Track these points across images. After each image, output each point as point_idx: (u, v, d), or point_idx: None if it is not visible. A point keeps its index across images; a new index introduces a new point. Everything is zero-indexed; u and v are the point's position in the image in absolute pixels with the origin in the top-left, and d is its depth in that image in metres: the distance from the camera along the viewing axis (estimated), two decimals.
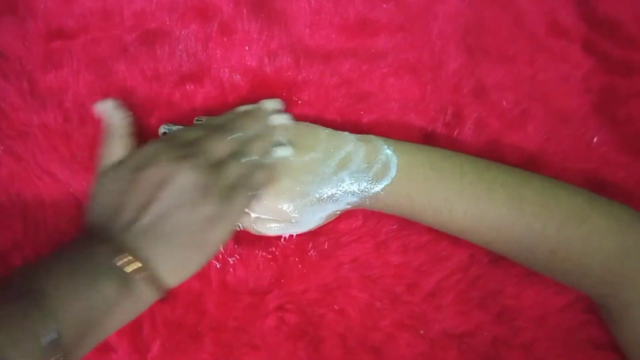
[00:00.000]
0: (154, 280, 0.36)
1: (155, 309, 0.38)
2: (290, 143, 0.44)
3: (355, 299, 0.45)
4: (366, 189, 0.43)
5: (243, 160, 0.41)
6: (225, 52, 0.50)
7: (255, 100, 0.49)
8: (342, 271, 0.45)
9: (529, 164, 0.50)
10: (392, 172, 0.43)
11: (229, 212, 0.39)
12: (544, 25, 0.54)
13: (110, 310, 0.35)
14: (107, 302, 0.34)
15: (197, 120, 0.47)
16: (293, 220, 0.44)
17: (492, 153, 0.50)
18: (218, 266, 0.44)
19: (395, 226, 0.47)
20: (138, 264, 0.35)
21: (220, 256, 0.45)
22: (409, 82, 0.50)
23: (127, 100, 0.48)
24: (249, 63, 0.49)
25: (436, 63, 0.51)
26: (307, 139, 0.45)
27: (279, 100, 0.47)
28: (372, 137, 0.45)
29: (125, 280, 0.35)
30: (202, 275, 0.44)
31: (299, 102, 0.49)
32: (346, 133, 0.46)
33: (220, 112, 0.49)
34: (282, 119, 0.45)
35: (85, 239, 0.37)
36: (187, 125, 0.47)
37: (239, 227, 0.44)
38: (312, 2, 0.52)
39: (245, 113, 0.45)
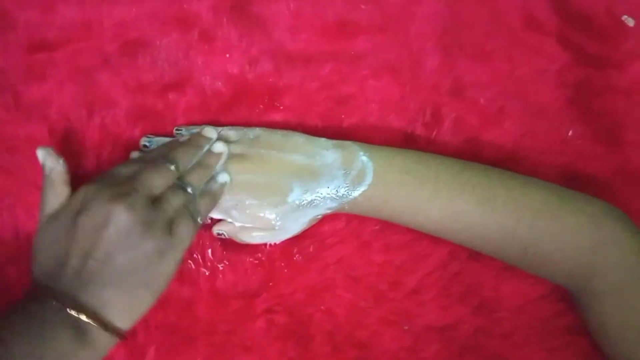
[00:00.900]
0: (106, 326, 0.35)
1: (149, 315, 0.39)
2: (226, 170, 0.44)
3: (341, 299, 0.46)
4: (344, 195, 0.44)
5: (186, 191, 0.41)
6: (207, 59, 0.50)
7: (238, 107, 0.50)
8: (328, 272, 0.47)
9: (506, 160, 0.51)
10: (369, 178, 0.43)
11: (173, 244, 0.38)
12: (520, 20, 0.55)
13: None
14: (64, 357, 0.34)
15: (176, 129, 0.47)
16: (276, 227, 0.45)
17: (471, 151, 0.50)
18: (207, 273, 0.45)
19: (377, 227, 0.48)
20: (88, 312, 0.35)
21: (209, 263, 0.46)
22: (388, 83, 0.51)
23: (111, 112, 0.48)
24: (230, 70, 0.50)
25: (415, 63, 0.52)
26: (285, 147, 0.45)
27: (212, 128, 0.46)
28: (349, 143, 0.46)
29: (78, 330, 0.34)
30: (193, 282, 0.45)
31: (281, 107, 0.50)
32: (323, 139, 0.46)
33: (203, 120, 0.49)
34: (223, 147, 0.44)
35: (34, 295, 0.36)
36: (170, 136, 0.48)
37: (224, 235, 0.45)
38: (292, 5, 0.52)
39: (184, 143, 0.44)
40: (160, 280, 0.38)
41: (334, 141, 0.46)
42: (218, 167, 0.44)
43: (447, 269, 0.47)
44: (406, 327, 0.46)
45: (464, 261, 0.48)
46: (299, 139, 0.46)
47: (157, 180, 0.40)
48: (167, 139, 0.47)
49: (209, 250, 0.46)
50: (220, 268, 0.46)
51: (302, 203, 0.44)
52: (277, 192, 0.43)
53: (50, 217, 0.39)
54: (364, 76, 0.51)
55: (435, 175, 0.43)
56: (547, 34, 0.55)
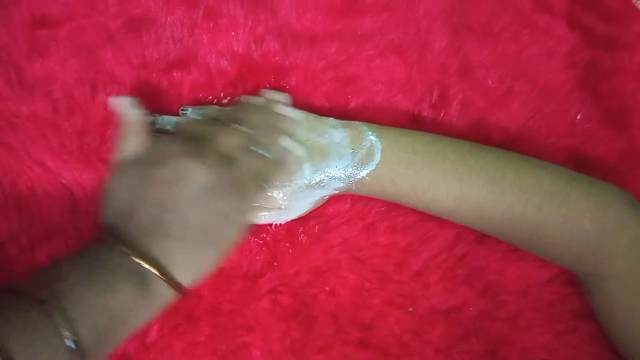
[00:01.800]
0: (170, 280, 0.35)
1: None
2: (301, 140, 0.43)
3: (345, 280, 0.45)
4: (352, 175, 0.42)
5: (253, 151, 0.40)
6: (212, 37, 0.48)
7: (243, 86, 0.48)
8: (332, 253, 0.46)
9: (513, 142, 0.49)
10: (377, 158, 0.42)
11: (241, 206, 0.38)
12: (528, 1, 0.53)
13: (127, 314, 0.34)
14: (125, 306, 0.33)
15: (182, 109, 0.46)
16: (282, 207, 0.43)
17: (478, 133, 0.49)
18: None
19: (383, 208, 0.47)
20: (153, 265, 0.34)
21: None
22: (395, 64, 0.50)
23: (115, 89, 0.47)
24: (235, 48, 0.48)
25: (422, 43, 0.50)
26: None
27: (287, 94, 0.46)
28: (357, 123, 0.45)
29: (142, 282, 0.34)
30: None
31: (287, 87, 0.49)
32: (331, 119, 0.45)
33: (208, 99, 0.48)
34: (293, 112, 0.44)
35: (101, 240, 0.36)
36: (175, 114, 0.47)
37: None
38: None
39: (253, 104, 0.44)
40: (225, 241, 0.38)
41: (342, 121, 0.45)
42: (290, 130, 0.43)
43: (453, 251, 0.46)
44: (411, 309, 0.45)
45: (470, 244, 0.47)
46: (308, 117, 0.45)
47: (232, 141, 0.39)
48: (173, 118, 0.46)
49: None
50: None
51: (311, 183, 0.42)
52: (285, 174, 0.42)
53: (126, 164, 0.39)
54: (370, 56, 0.50)
55: (443, 156, 0.42)
56: (556, 15, 0.53)
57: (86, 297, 0.32)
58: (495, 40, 0.51)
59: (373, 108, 0.49)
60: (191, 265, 0.36)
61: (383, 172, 0.42)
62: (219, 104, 0.48)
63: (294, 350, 0.43)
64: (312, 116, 0.45)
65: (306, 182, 0.43)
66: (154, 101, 0.47)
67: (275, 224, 0.46)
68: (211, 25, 0.48)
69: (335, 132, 0.44)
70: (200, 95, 0.48)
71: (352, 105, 0.49)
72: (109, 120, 0.46)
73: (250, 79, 0.48)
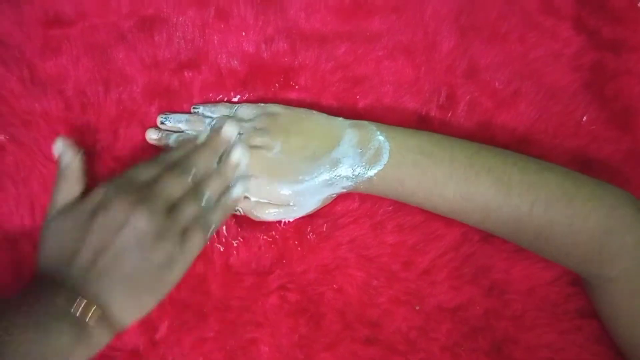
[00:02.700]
0: (109, 323, 0.35)
1: None
2: (246, 177, 0.43)
3: (353, 278, 0.45)
4: (360, 174, 0.42)
5: (202, 200, 0.40)
6: (222, 38, 0.48)
7: (253, 85, 0.48)
8: (340, 252, 0.45)
9: (519, 143, 0.49)
10: (385, 158, 0.42)
11: (183, 254, 0.38)
12: (535, 3, 0.53)
13: (62, 358, 0.33)
14: (62, 352, 0.33)
15: (193, 108, 0.46)
16: (291, 204, 0.43)
17: (484, 133, 0.49)
18: (221, 249, 0.44)
19: (390, 207, 0.46)
20: (94, 308, 0.34)
21: (224, 239, 0.44)
22: (403, 64, 0.49)
23: (127, 88, 0.47)
24: (246, 48, 0.48)
25: (430, 44, 0.50)
26: (304, 125, 0.44)
27: (236, 123, 0.44)
28: (366, 123, 0.44)
29: (80, 326, 0.34)
30: (206, 258, 0.44)
31: (296, 87, 0.48)
32: (340, 119, 0.45)
33: (218, 98, 0.48)
34: (239, 156, 0.43)
35: (39, 285, 0.35)
36: (186, 112, 0.47)
37: (240, 212, 0.44)
38: None
39: (203, 147, 0.42)
40: (165, 287, 0.38)
41: (351, 121, 0.44)
42: (234, 177, 0.43)
43: (459, 250, 0.46)
44: (417, 307, 0.45)
45: (476, 243, 0.46)
46: (318, 117, 0.44)
47: (176, 188, 0.39)
48: (184, 116, 0.46)
49: (224, 227, 0.44)
50: (235, 245, 0.44)
51: (319, 181, 0.42)
52: (295, 171, 0.42)
53: (62, 210, 0.38)
54: (379, 57, 0.49)
55: (451, 156, 0.42)
56: (563, 17, 0.53)
57: (22, 345, 0.32)
58: (502, 42, 0.51)
59: (381, 108, 0.49)
60: (129, 308, 0.36)
61: (391, 172, 0.42)
62: (229, 102, 0.48)
63: (302, 347, 0.43)
64: (322, 116, 0.45)
65: (314, 180, 0.43)
66: (165, 100, 0.47)
67: (284, 222, 0.45)
68: (222, 25, 0.48)
69: (345, 132, 0.43)
70: (211, 94, 0.48)
71: (360, 105, 0.48)
72: (121, 118, 0.47)
73: (260, 79, 0.48)
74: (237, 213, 0.44)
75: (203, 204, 0.40)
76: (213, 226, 0.40)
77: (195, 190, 0.40)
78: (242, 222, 0.45)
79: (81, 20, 0.48)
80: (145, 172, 0.39)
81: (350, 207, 0.46)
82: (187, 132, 0.46)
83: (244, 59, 0.48)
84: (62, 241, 0.37)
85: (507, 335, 0.45)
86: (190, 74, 0.47)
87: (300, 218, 0.45)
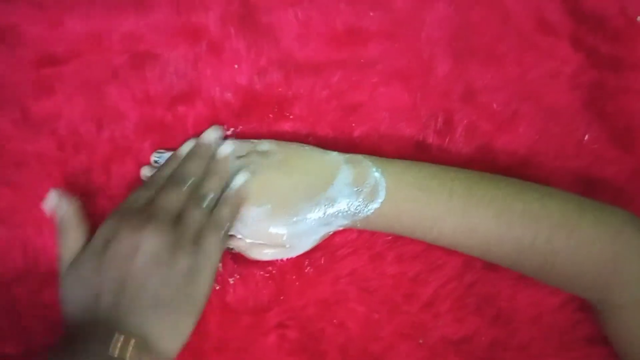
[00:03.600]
0: (156, 354, 0.33)
1: None
2: (244, 167, 0.41)
3: (354, 312, 0.43)
4: (356, 213, 0.40)
5: (205, 202, 0.39)
6: (215, 71, 0.47)
7: (247, 118, 0.47)
8: (340, 285, 0.43)
9: (520, 166, 0.47)
10: (381, 195, 0.40)
11: (204, 258, 0.36)
12: (531, 23, 0.51)
13: None
14: None
15: (155, 155, 0.45)
16: (287, 245, 0.42)
17: (484, 157, 0.47)
18: (217, 287, 0.42)
19: (390, 237, 0.45)
20: (131, 343, 0.32)
21: (220, 277, 0.43)
22: (399, 90, 0.48)
23: (120, 125, 0.46)
24: (239, 81, 0.47)
25: (425, 69, 0.48)
26: (297, 161, 0.42)
27: (217, 126, 0.44)
28: (361, 158, 0.42)
29: None
30: None
31: (291, 117, 0.47)
32: (335, 154, 0.43)
33: None
34: (227, 149, 0.42)
35: (70, 341, 0.33)
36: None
37: (234, 250, 0.42)
38: (299, 13, 0.48)
39: (189, 156, 0.42)
40: (197, 300, 0.36)
41: (346, 155, 0.43)
42: (231, 169, 0.42)
43: (462, 279, 0.44)
44: (421, 341, 0.43)
45: (479, 271, 0.44)
46: (311, 153, 0.43)
47: (175, 199, 0.38)
48: (176, 153, 0.44)
49: (220, 264, 0.42)
50: (231, 282, 0.43)
51: (314, 221, 0.40)
52: (288, 212, 0.40)
53: (73, 262, 0.37)
54: (374, 84, 0.48)
55: (449, 190, 0.40)
56: (560, 36, 0.51)
57: None
58: (498, 64, 0.49)
59: (377, 136, 0.47)
60: (171, 332, 0.34)
61: (388, 209, 0.40)
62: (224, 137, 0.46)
63: None
64: (316, 151, 0.43)
65: (308, 220, 0.41)
66: (158, 136, 0.46)
67: (283, 259, 0.44)
68: (214, 59, 0.47)
69: (339, 170, 0.41)
70: (205, 128, 0.46)
71: (356, 133, 0.47)
72: (115, 157, 0.45)
73: (254, 111, 0.47)
74: (233, 251, 0.43)
75: (205, 204, 0.39)
76: (226, 222, 0.39)
77: (195, 195, 0.39)
78: (238, 259, 0.43)
79: (74, 57, 0.47)
80: (141, 196, 0.39)
81: (349, 237, 0.45)
82: None
83: (238, 91, 0.47)
84: (82, 289, 0.35)
85: None
86: (183, 108, 0.46)
87: None
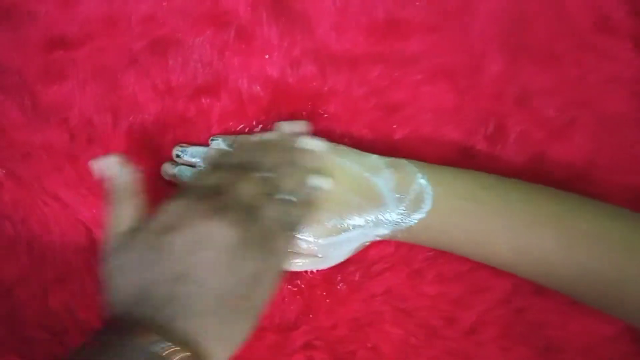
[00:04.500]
0: None
1: None
2: (324, 172, 0.37)
3: (388, 335, 0.39)
4: (398, 222, 0.36)
5: (277, 197, 0.34)
6: (244, 60, 0.42)
7: (277, 113, 0.42)
8: (374, 304, 0.39)
9: (576, 179, 0.42)
10: (427, 205, 0.36)
11: (270, 261, 0.32)
12: (590, 21, 0.46)
13: None
14: None
15: (212, 139, 0.40)
16: (319, 255, 0.37)
17: (537, 168, 0.42)
18: None
19: (431, 253, 0.40)
20: (183, 352, 0.27)
21: None
22: (444, 90, 0.43)
23: (139, 117, 0.41)
24: (269, 73, 0.42)
25: (474, 67, 0.43)
26: (333, 165, 0.37)
27: (304, 122, 0.39)
28: (404, 162, 0.38)
29: None
30: None
31: (325, 115, 0.42)
32: (375, 156, 0.38)
33: (239, 128, 0.42)
34: (314, 143, 0.37)
35: (113, 327, 0.28)
36: (204, 144, 0.41)
37: None
38: (337, 1, 0.43)
39: (269, 142, 0.37)
40: (258, 305, 0.31)
41: (387, 159, 0.38)
42: (315, 165, 0.37)
43: (510, 304, 0.39)
44: None
45: (529, 296, 0.40)
46: (350, 155, 0.38)
47: (251, 190, 0.33)
48: (202, 148, 0.41)
49: None
50: None
51: (350, 230, 0.36)
52: (323, 219, 0.36)
53: (125, 236, 0.31)
54: (417, 81, 0.43)
55: (506, 203, 0.35)
56: (621, 37, 0.45)
57: None
58: (555, 64, 0.44)
59: (420, 140, 0.42)
60: (227, 339, 0.29)
61: (434, 221, 0.36)
62: (251, 132, 0.42)
63: None
64: (354, 152, 0.38)
65: (344, 228, 0.36)
66: (180, 130, 0.42)
67: (311, 271, 0.39)
68: (243, 47, 0.42)
69: (380, 174, 0.37)
70: (231, 123, 0.42)
71: (397, 136, 0.42)
72: (132, 151, 0.41)
73: (285, 106, 0.42)
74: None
75: (282, 199, 0.34)
76: (299, 224, 0.35)
77: (271, 186, 0.34)
78: None
79: (88, 41, 0.42)
80: (211, 178, 0.33)
81: (386, 252, 0.40)
82: (202, 167, 0.40)
83: (268, 84, 0.42)
84: (132, 274, 0.29)
85: None
86: (208, 100, 0.42)
87: None
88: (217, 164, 0.36)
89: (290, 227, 0.34)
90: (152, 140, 0.41)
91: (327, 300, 0.39)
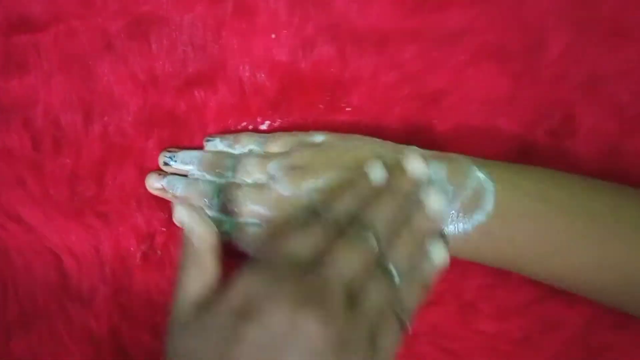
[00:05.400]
0: None
1: None
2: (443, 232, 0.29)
3: None
4: (448, 229, 0.28)
5: (389, 273, 0.26)
6: (244, 42, 0.34)
7: (287, 108, 0.34)
8: (416, 346, 0.32)
9: None
10: (488, 205, 0.28)
11: None
12: None
13: None
14: None
15: (207, 141, 0.32)
16: None
17: (613, 168, 0.34)
18: None
19: (487, 279, 0.32)
20: None
21: None
22: (495, 74, 0.35)
23: (116, 116, 0.33)
24: (277, 57, 0.34)
25: (532, 46, 0.35)
26: (361, 156, 0.30)
27: (417, 155, 0.30)
28: (454, 155, 0.31)
29: None
30: None
31: (348, 108, 0.35)
32: (414, 147, 0.31)
33: (241, 126, 0.34)
34: (437, 201, 0.29)
35: None
36: (199, 148, 0.33)
37: None
38: None
39: (379, 190, 0.28)
40: None
41: (431, 151, 0.31)
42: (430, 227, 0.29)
43: (586, 342, 0.31)
44: None
45: (608, 331, 0.32)
46: (383, 145, 0.31)
47: (355, 263, 0.25)
48: (196, 153, 0.33)
49: None
50: None
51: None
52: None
53: (194, 311, 0.25)
54: (460, 64, 0.35)
55: (585, 206, 0.28)
56: None
57: None
58: (628, 42, 0.36)
59: (467, 135, 0.35)
60: None
61: (496, 226, 0.28)
62: (256, 131, 0.34)
63: None
64: (387, 143, 0.31)
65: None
66: (168, 131, 0.34)
67: None
68: (243, 25, 0.34)
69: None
70: (231, 120, 0.35)
71: (438, 130, 0.35)
72: (109, 159, 0.33)
73: (297, 98, 0.35)
74: None
75: (394, 279, 0.26)
76: (411, 310, 0.27)
77: (381, 260, 0.26)
78: None
79: (55, 23, 0.34)
80: (302, 244, 0.26)
81: None
82: (198, 177, 0.32)
83: (275, 70, 0.34)
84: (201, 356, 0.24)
85: None
86: (201, 93, 0.34)
87: None
88: (312, 221, 0.27)
89: (402, 316, 0.26)
90: (132, 144, 0.33)
91: None
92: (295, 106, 0.34)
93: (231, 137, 0.33)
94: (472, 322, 0.31)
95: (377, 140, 0.32)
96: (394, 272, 0.26)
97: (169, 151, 0.33)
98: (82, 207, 0.32)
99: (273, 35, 0.34)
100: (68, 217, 0.32)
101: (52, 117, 0.33)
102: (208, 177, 0.32)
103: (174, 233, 0.32)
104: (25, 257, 0.32)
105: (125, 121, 0.33)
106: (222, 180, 0.31)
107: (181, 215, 0.27)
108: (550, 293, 0.31)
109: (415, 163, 0.29)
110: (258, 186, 0.30)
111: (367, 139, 0.32)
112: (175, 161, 0.33)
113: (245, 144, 0.32)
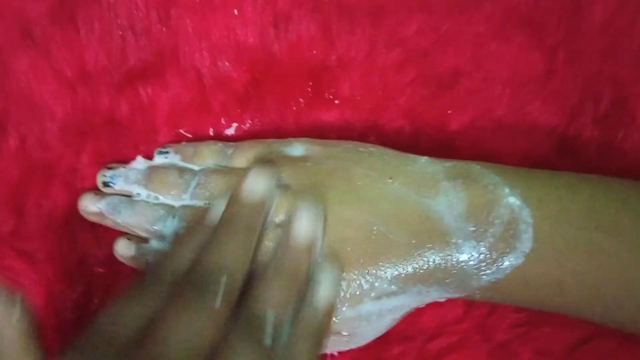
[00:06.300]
0: None
1: None
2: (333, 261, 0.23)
3: None
4: (475, 274, 0.22)
5: (267, 334, 0.19)
6: (201, 22, 0.27)
7: (259, 104, 0.26)
8: None
9: None
10: (526, 243, 0.21)
11: None
12: None
13: None
14: None
15: (158, 153, 0.26)
16: (343, 332, 0.23)
17: None
18: None
19: (522, 315, 0.25)
20: None
21: None
22: (525, 48, 0.27)
23: (37, 125, 0.26)
24: (242, 39, 0.27)
25: (569, 12, 0.27)
26: (355, 175, 0.24)
27: (265, 170, 0.23)
28: (477, 168, 0.23)
29: None
30: None
31: (336, 100, 0.28)
32: (425, 159, 0.24)
33: (201, 130, 0.27)
34: (306, 224, 0.22)
35: None
36: (147, 160, 0.26)
37: None
38: None
39: (226, 219, 0.22)
40: None
41: (448, 162, 0.24)
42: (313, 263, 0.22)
43: None
44: None
45: None
46: (384, 157, 0.24)
47: (199, 328, 0.18)
48: (143, 168, 0.26)
49: None
50: None
51: (390, 292, 0.22)
52: (353, 274, 0.22)
53: None
54: (479, 36, 0.27)
55: None
56: None
57: None
58: None
59: (491, 129, 0.28)
60: None
61: (536, 268, 0.21)
62: (219, 139, 0.27)
63: None
64: (389, 153, 0.25)
65: (381, 290, 0.22)
66: (105, 142, 0.27)
67: (335, 352, 0.26)
68: (198, 0, 0.26)
69: (437, 190, 0.23)
70: (187, 124, 0.27)
71: (453, 126, 0.28)
72: (29, 181, 0.26)
73: (271, 92, 0.27)
74: None
75: (267, 336, 0.19)
76: None
77: (246, 316, 0.20)
78: None
79: None
80: (127, 312, 0.19)
81: (450, 316, 0.26)
82: (146, 199, 0.25)
83: (241, 57, 0.27)
84: None
85: None
86: (147, 90, 0.27)
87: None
88: (139, 280, 0.20)
89: None
90: (59, 161, 0.26)
91: None
92: (269, 102, 0.27)
93: (189, 147, 0.26)
94: None
95: (375, 151, 0.24)
96: (268, 329, 0.19)
97: (109, 168, 0.26)
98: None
99: (235, 11, 0.26)
100: None
101: None
102: (161, 199, 0.25)
103: (118, 272, 0.25)
104: None
105: (49, 131, 0.26)
106: (178, 204, 0.24)
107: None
108: (594, 330, 0.24)
109: (304, 222, 0.22)
110: None
111: (361, 146, 0.25)
112: (118, 180, 0.25)
113: (207, 157, 0.25)
